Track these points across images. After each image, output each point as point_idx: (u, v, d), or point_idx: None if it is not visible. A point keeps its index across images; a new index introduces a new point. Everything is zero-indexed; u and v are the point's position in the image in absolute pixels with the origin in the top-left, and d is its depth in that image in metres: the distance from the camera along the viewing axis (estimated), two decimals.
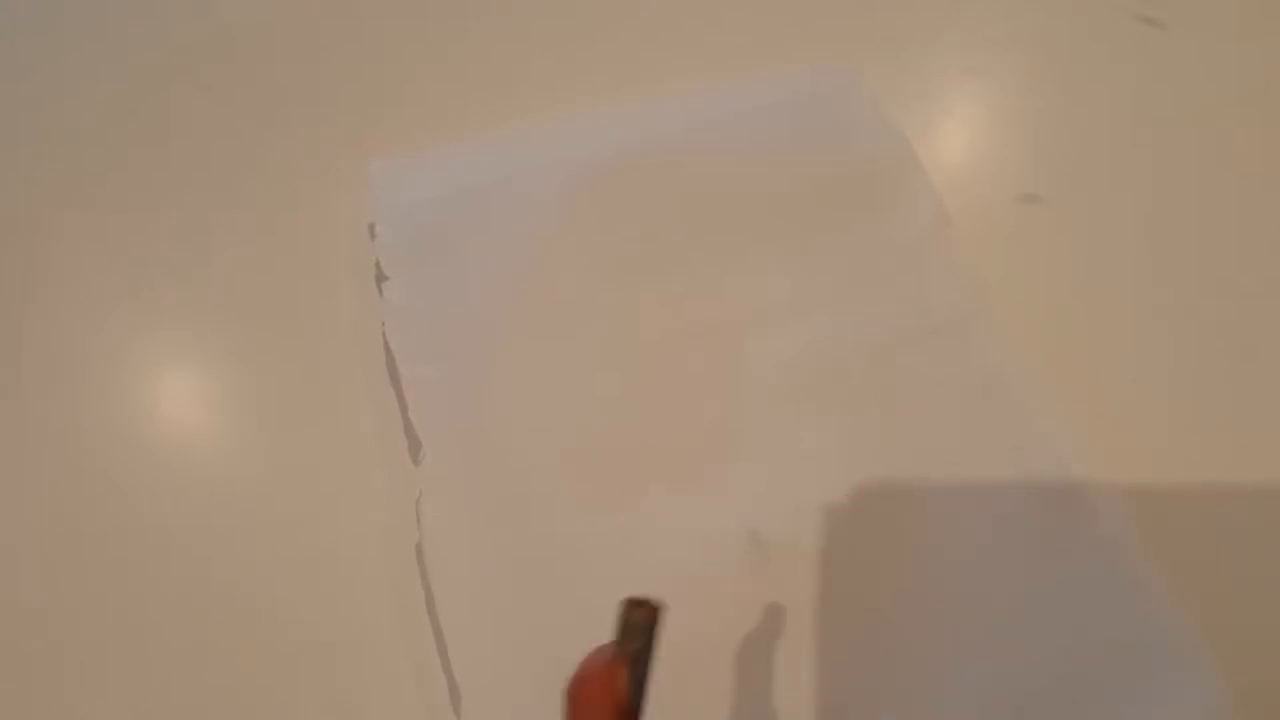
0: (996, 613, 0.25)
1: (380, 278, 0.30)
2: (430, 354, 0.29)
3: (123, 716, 0.26)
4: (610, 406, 0.28)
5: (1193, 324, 0.31)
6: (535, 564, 0.26)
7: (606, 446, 0.28)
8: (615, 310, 0.30)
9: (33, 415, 0.30)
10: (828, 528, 0.26)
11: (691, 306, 0.30)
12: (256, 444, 0.30)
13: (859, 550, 0.26)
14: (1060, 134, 0.35)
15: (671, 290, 0.30)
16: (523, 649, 0.25)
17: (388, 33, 0.39)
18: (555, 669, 0.24)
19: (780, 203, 0.32)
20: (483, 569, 0.26)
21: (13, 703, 0.26)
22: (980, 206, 0.33)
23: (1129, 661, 0.24)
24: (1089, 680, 0.24)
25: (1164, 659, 0.24)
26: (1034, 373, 0.28)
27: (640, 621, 0.21)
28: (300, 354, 0.31)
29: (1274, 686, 0.24)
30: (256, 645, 0.26)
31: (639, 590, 0.25)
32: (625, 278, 0.31)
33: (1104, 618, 0.25)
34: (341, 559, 0.27)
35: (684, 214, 0.32)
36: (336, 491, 0.28)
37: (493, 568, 0.26)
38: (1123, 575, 0.25)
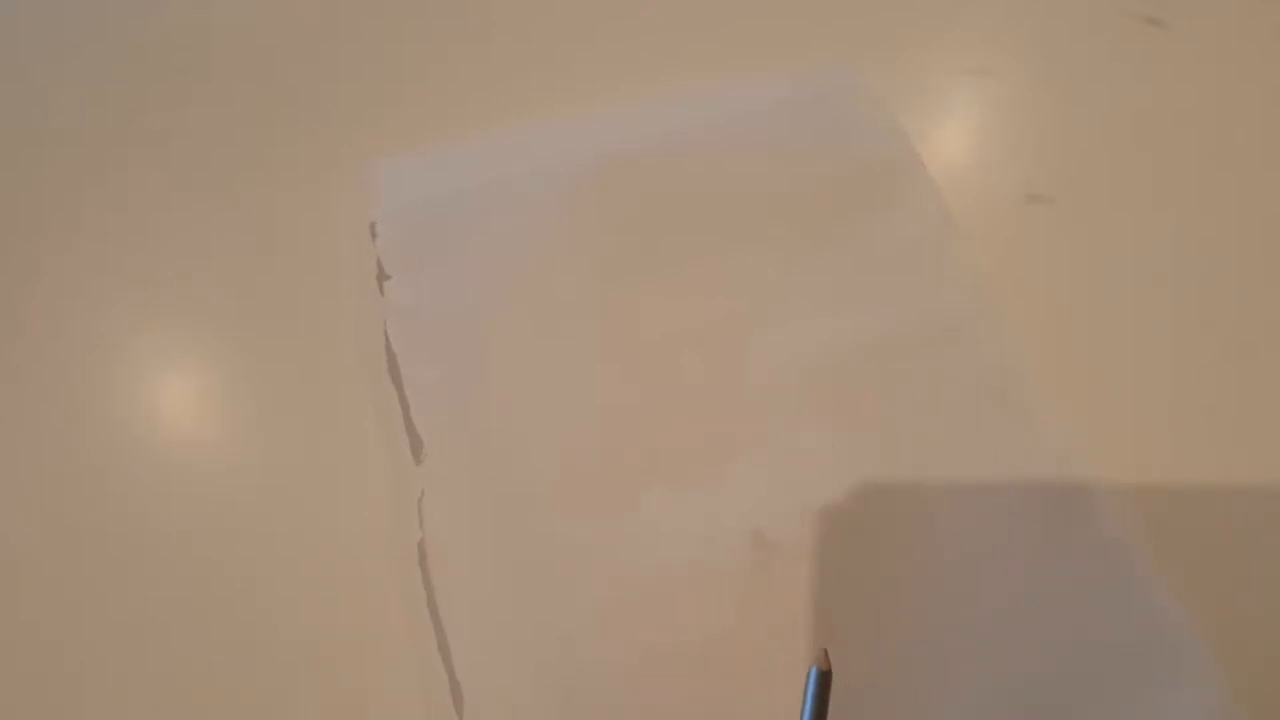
0: (997, 612, 0.25)
1: (382, 277, 0.30)
2: (432, 353, 0.29)
3: (122, 715, 0.25)
4: (611, 406, 0.28)
5: (1195, 324, 0.31)
6: (537, 563, 0.26)
7: (607, 446, 0.28)
8: (616, 309, 0.30)
9: (32, 414, 0.30)
10: (829, 527, 0.26)
11: (692, 306, 0.30)
12: (257, 443, 0.30)
13: (860, 550, 0.26)
14: (1062, 134, 0.35)
15: (672, 290, 0.30)
16: (525, 648, 0.25)
17: (387, 33, 0.39)
18: (558, 668, 0.24)
19: (781, 202, 0.32)
20: (485, 568, 0.26)
21: (13, 703, 0.26)
22: (982, 206, 0.33)
23: (1130, 661, 0.24)
24: (1090, 680, 0.24)
25: (1165, 659, 0.24)
26: (1036, 373, 0.28)
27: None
28: (301, 354, 0.31)
29: (1276, 686, 0.24)
30: (257, 645, 0.26)
31: (640, 589, 0.25)
32: (626, 277, 0.31)
33: (1105, 617, 0.25)
34: (343, 558, 0.27)
35: (684, 214, 0.32)
36: (338, 491, 0.28)
37: (495, 567, 0.26)
38: (1124, 575, 0.25)
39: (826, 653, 0.23)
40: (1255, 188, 0.33)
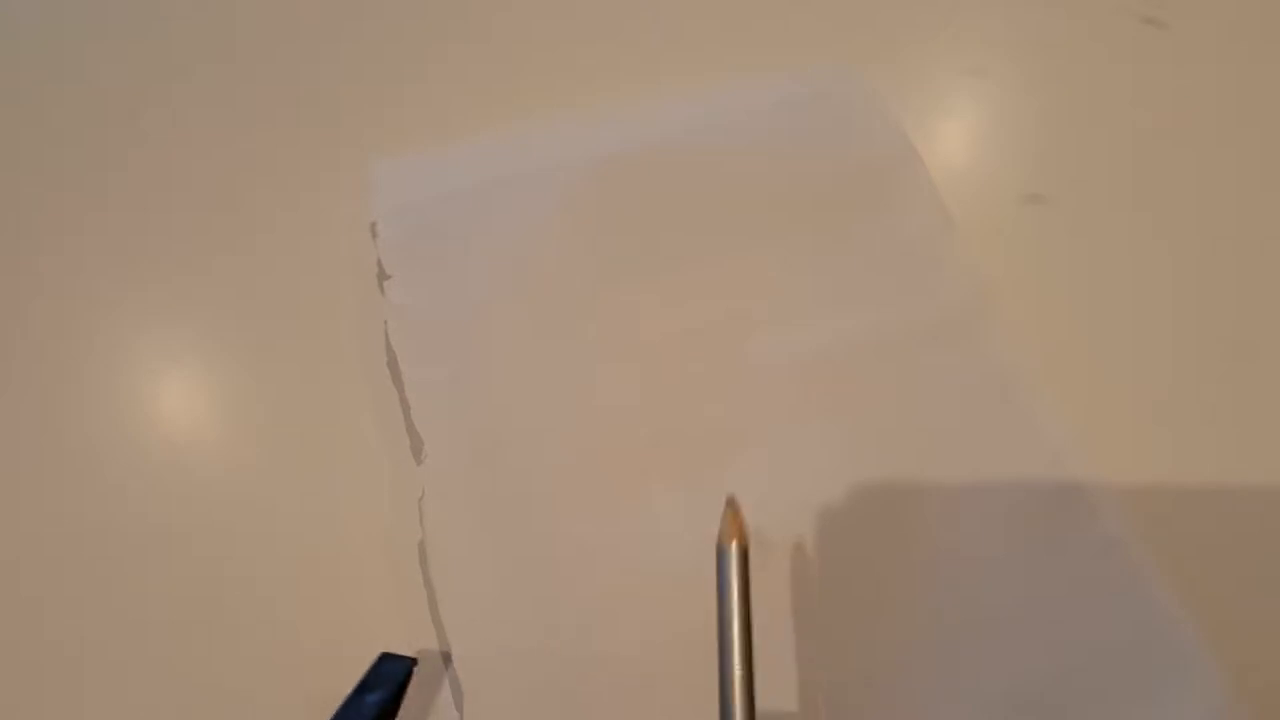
0: (997, 612, 0.25)
1: (382, 276, 0.30)
2: (432, 353, 0.29)
3: (122, 715, 0.26)
4: (611, 406, 0.28)
5: (1194, 324, 0.31)
6: (537, 563, 0.26)
7: (608, 446, 0.28)
8: (616, 310, 0.30)
9: (33, 415, 0.30)
10: (828, 527, 0.26)
11: (692, 306, 0.30)
12: (258, 443, 0.30)
13: (860, 550, 0.26)
14: (1062, 134, 0.35)
15: (672, 289, 0.30)
16: (525, 647, 0.25)
17: (388, 33, 0.39)
18: (558, 667, 0.24)
19: (781, 202, 0.32)
20: (485, 568, 0.26)
21: (14, 703, 0.26)
22: (982, 206, 0.33)
23: (1129, 662, 0.24)
24: (1089, 680, 0.24)
25: (1165, 659, 0.24)
26: (1036, 373, 0.28)
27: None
28: (301, 354, 0.31)
29: (1276, 686, 0.24)
30: (256, 644, 0.26)
31: (640, 589, 0.25)
32: (626, 277, 0.31)
33: (1104, 618, 0.25)
34: (344, 558, 0.27)
35: (685, 214, 0.32)
36: (338, 490, 0.28)
37: (495, 566, 0.26)
38: (1123, 575, 0.25)
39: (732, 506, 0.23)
40: (1255, 188, 0.33)
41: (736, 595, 0.21)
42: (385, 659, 0.24)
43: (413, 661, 0.24)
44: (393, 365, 0.29)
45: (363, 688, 0.23)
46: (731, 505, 0.23)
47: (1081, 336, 0.30)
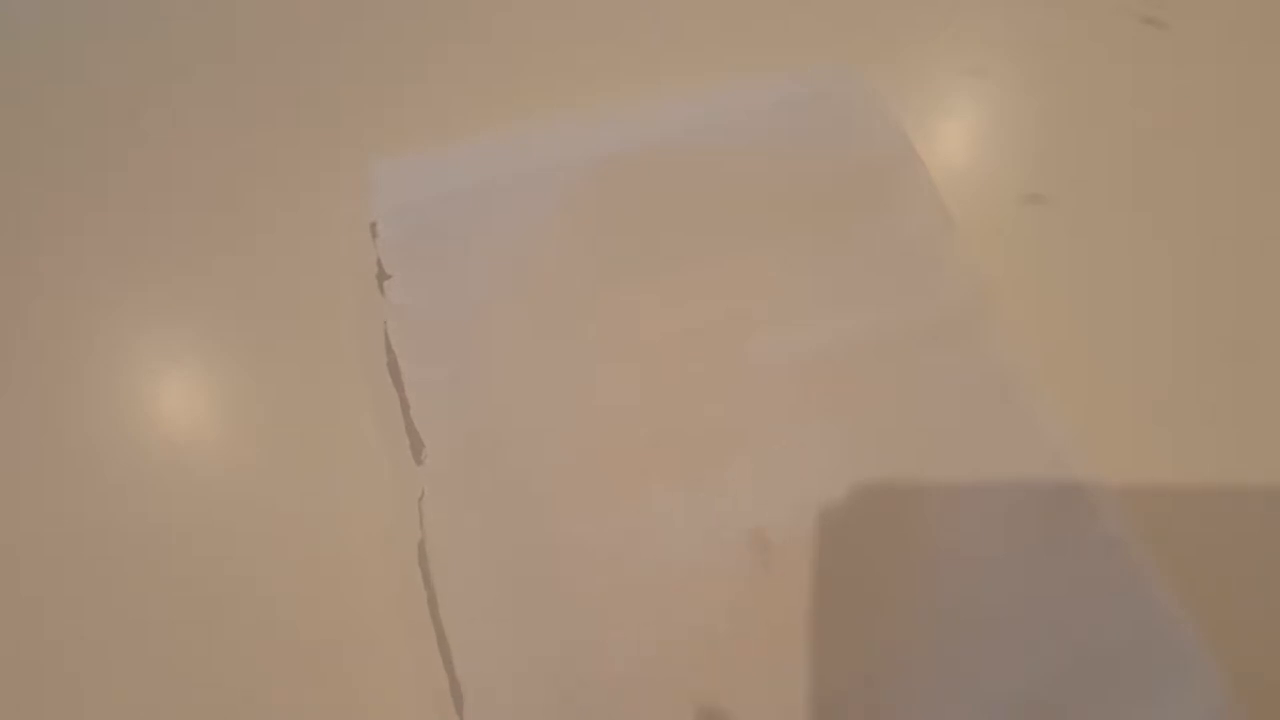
0: (997, 612, 0.25)
1: (382, 276, 0.30)
2: (432, 353, 0.29)
3: (122, 715, 0.25)
4: (612, 406, 0.28)
5: (1194, 324, 0.31)
6: (538, 563, 0.26)
7: (608, 445, 0.28)
8: (616, 309, 0.30)
9: (32, 415, 0.30)
10: (829, 527, 0.26)
11: (692, 306, 0.30)
12: (257, 443, 0.30)
13: (860, 549, 0.26)
14: (1062, 134, 0.35)
15: (672, 289, 0.30)
16: (526, 648, 0.25)
17: (388, 33, 0.39)
18: (559, 668, 0.24)
19: (780, 202, 0.32)
20: (486, 568, 0.26)
21: (14, 703, 0.26)
22: (982, 207, 0.33)
23: (1130, 662, 0.24)
24: (1090, 681, 0.24)
25: (1166, 660, 0.24)
26: (1036, 373, 0.28)
27: None
28: (301, 354, 0.31)
29: (1276, 686, 0.24)
30: (257, 645, 0.26)
31: (640, 589, 0.25)
32: (626, 277, 0.31)
33: (1105, 618, 0.25)
34: (343, 558, 0.27)
35: (684, 214, 0.32)
36: (338, 491, 0.28)
37: (496, 567, 0.26)
38: (1124, 576, 0.25)
39: None
40: (1255, 188, 0.33)
41: None
42: None
43: None
44: (393, 365, 0.29)
45: None
46: None
47: (1081, 336, 0.30)
